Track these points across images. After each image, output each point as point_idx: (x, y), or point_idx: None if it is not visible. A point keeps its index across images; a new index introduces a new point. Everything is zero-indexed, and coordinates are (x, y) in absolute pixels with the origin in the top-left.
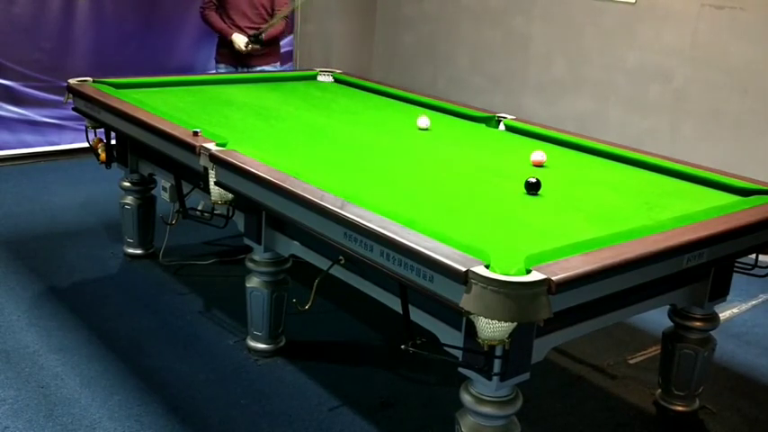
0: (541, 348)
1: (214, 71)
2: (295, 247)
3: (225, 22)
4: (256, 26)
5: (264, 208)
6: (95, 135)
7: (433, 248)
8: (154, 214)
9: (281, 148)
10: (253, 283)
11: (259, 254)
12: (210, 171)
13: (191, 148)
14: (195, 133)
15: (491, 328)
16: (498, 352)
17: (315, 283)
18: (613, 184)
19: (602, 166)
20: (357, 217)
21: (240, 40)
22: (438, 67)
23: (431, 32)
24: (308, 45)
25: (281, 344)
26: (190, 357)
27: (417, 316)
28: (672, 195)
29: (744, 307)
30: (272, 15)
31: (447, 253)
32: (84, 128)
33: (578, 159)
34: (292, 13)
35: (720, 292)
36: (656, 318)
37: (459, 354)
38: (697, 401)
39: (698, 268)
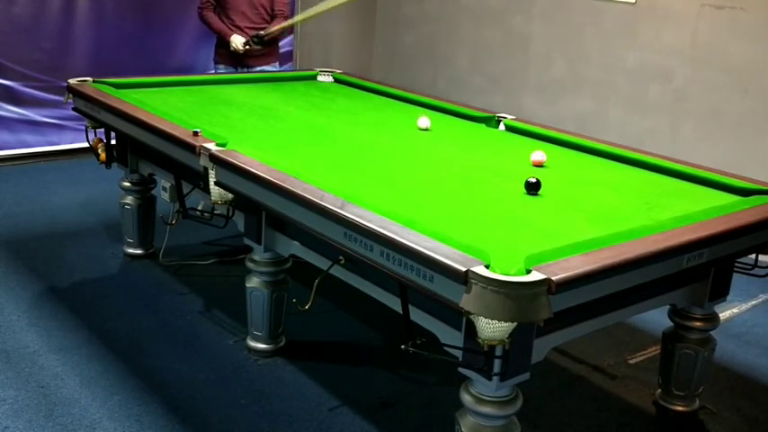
0: (541, 348)
1: (213, 71)
2: (295, 247)
3: (224, 23)
4: (256, 26)
5: (264, 208)
6: (95, 135)
7: (433, 248)
8: (154, 214)
9: (281, 148)
10: (253, 283)
11: (259, 254)
12: (210, 171)
13: (191, 148)
14: (195, 133)
15: (491, 328)
16: (498, 352)
17: (315, 283)
18: (613, 184)
19: (602, 166)
20: (357, 217)
21: (238, 41)
22: (438, 67)
23: (431, 32)
24: (307, 45)
25: (281, 344)
26: (190, 357)
27: (417, 316)
28: (672, 195)
29: (744, 307)
30: (272, 15)
31: (447, 253)
32: (84, 128)
33: (578, 159)
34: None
35: (720, 292)
36: (656, 318)
37: (459, 354)
38: (697, 401)
39: (698, 268)
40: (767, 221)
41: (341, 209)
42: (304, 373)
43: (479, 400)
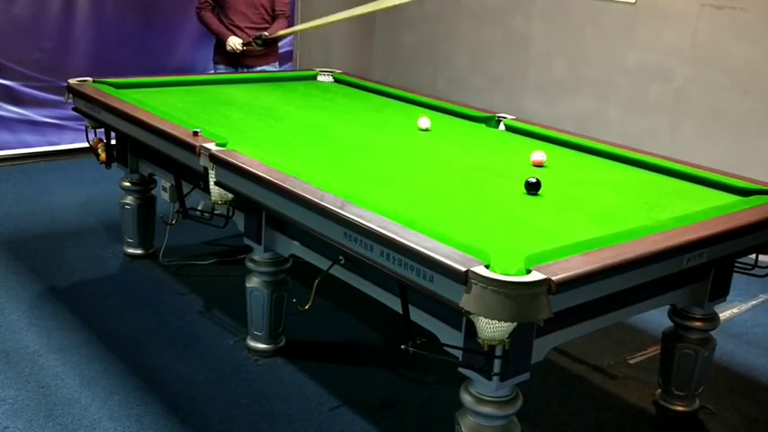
0: (541, 348)
1: (213, 71)
2: (295, 247)
3: (223, 23)
4: (256, 26)
5: (264, 208)
6: (95, 135)
7: (433, 248)
8: (154, 214)
9: (281, 148)
10: (253, 283)
11: (259, 254)
12: (210, 171)
13: (191, 148)
14: (195, 133)
15: (491, 328)
16: (498, 352)
17: (315, 283)
18: (613, 184)
19: (602, 166)
20: (357, 217)
21: (235, 42)
22: (438, 67)
23: (431, 32)
24: (307, 45)
25: (281, 344)
26: (190, 357)
27: (417, 316)
28: (672, 195)
29: (744, 307)
30: (273, 15)
31: (447, 253)
32: (84, 128)
33: (578, 159)
34: (292, 12)
35: (720, 292)
36: (656, 318)
37: (459, 354)
38: (697, 401)
39: (698, 268)
40: (767, 221)
41: (341, 209)
42: (304, 373)
43: (479, 400)
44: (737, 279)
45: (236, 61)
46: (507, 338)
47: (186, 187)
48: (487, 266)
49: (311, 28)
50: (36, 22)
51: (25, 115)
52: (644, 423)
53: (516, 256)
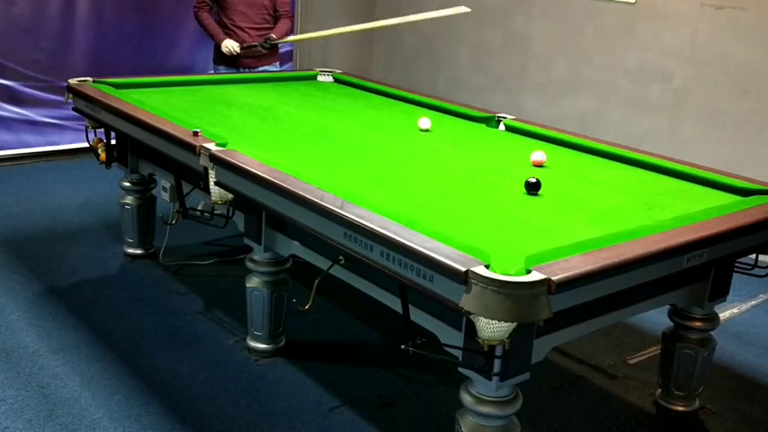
0: (541, 348)
1: (213, 71)
2: (295, 247)
3: (224, 23)
4: (258, 26)
5: (264, 208)
6: (95, 135)
7: (433, 248)
8: (154, 214)
9: (281, 148)
10: (253, 283)
11: (259, 254)
12: (210, 171)
13: (191, 148)
14: (195, 133)
15: (491, 328)
16: (498, 352)
17: (315, 283)
18: (613, 184)
19: (602, 166)
20: (357, 217)
21: (232, 45)
22: (438, 68)
23: (431, 33)
24: (307, 45)
25: (281, 344)
26: (190, 357)
27: (417, 316)
28: (672, 195)
29: (744, 307)
30: (274, 16)
31: (447, 253)
32: (84, 128)
33: (578, 159)
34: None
35: (720, 292)
36: (656, 318)
37: (459, 354)
38: (697, 401)
39: (698, 268)
40: (767, 221)
41: (341, 209)
42: (304, 373)
43: (479, 400)
44: (737, 279)
45: (236, 61)
46: (507, 338)
47: (186, 187)
48: (487, 266)
49: (319, 37)
50: (36, 22)
51: (25, 115)
52: (644, 423)
53: (516, 256)
